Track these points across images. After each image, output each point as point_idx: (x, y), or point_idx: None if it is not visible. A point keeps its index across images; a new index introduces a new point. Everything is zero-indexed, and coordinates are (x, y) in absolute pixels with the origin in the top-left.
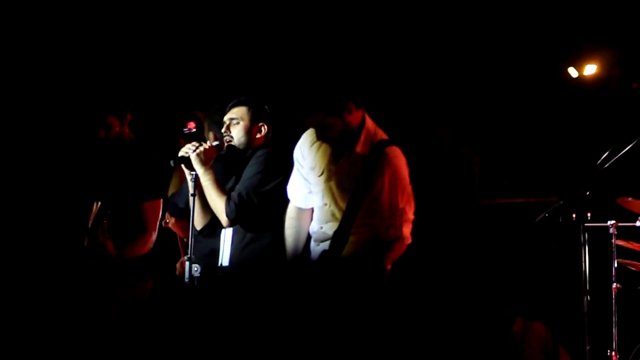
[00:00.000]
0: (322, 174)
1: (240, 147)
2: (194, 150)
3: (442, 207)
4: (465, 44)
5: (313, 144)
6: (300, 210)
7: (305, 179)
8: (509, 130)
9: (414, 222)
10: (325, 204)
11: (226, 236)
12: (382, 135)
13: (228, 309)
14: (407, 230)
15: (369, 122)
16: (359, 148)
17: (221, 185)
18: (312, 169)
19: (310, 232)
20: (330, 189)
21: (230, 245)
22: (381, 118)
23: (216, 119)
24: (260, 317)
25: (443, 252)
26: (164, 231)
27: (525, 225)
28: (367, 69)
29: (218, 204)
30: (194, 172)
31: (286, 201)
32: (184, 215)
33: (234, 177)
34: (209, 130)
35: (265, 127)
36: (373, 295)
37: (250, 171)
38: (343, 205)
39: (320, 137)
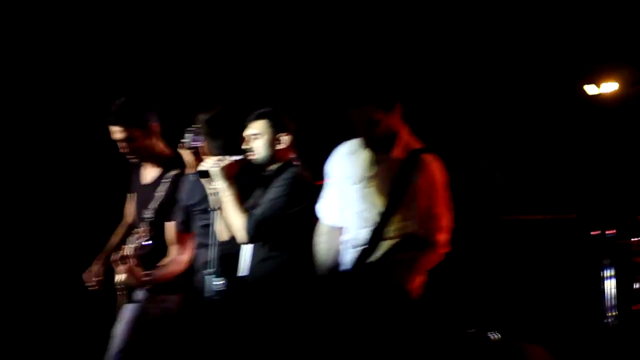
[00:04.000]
0: (358, 181)
1: (263, 162)
2: (216, 165)
3: (463, 222)
4: (483, 61)
5: (349, 155)
6: (332, 228)
7: (340, 192)
8: (528, 147)
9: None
10: (362, 211)
11: (247, 248)
12: (418, 144)
13: (243, 320)
14: (442, 237)
15: (406, 130)
16: (396, 152)
17: (241, 201)
18: (348, 178)
19: (345, 241)
20: (368, 195)
21: (250, 258)
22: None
23: (206, 130)
24: (275, 330)
25: (464, 266)
26: None
27: (545, 242)
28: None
29: (236, 221)
30: (215, 187)
31: (308, 224)
32: (189, 228)
33: (261, 189)
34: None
35: (286, 137)
36: (401, 301)
37: (275, 192)
38: (379, 208)
39: (364, 133)
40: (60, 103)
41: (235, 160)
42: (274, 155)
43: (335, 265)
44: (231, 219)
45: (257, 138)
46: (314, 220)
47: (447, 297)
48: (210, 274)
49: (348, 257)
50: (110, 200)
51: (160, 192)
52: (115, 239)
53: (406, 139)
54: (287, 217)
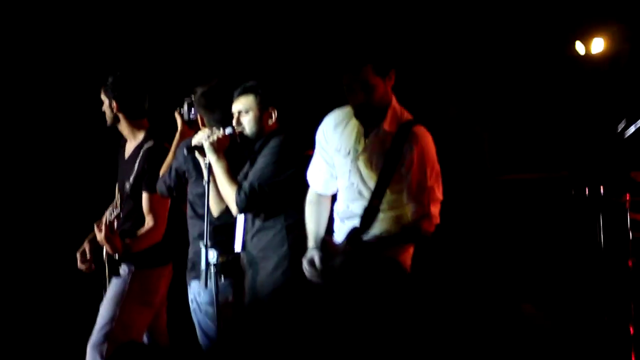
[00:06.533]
0: (348, 153)
1: (253, 137)
2: (207, 139)
3: (456, 185)
4: (471, 21)
5: (337, 125)
6: (320, 195)
7: (327, 163)
8: (518, 107)
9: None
10: (352, 184)
11: (239, 222)
12: (407, 115)
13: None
14: (435, 209)
15: (395, 102)
16: (386, 126)
17: (232, 174)
18: (338, 150)
19: (336, 212)
20: (357, 168)
21: (242, 232)
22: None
23: (202, 103)
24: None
25: (458, 230)
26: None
27: (537, 201)
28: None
29: (229, 192)
30: (207, 160)
31: (299, 190)
32: (172, 193)
33: (247, 163)
34: (198, 114)
35: (276, 111)
36: (399, 276)
37: (263, 161)
38: (370, 182)
39: (356, 100)
40: (61, 76)
41: (225, 135)
42: (264, 129)
43: (324, 234)
44: (223, 192)
45: (245, 114)
46: (305, 187)
47: (445, 262)
48: (205, 245)
49: (340, 229)
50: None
51: (136, 165)
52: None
53: (397, 110)
54: (277, 185)
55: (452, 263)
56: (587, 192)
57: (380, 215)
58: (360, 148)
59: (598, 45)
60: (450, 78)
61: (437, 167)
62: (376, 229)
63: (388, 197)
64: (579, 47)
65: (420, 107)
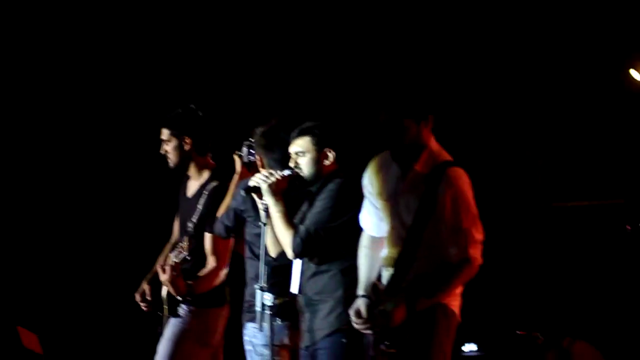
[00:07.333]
0: (389, 197)
1: (311, 178)
2: (265, 181)
3: (509, 213)
4: (524, 46)
5: (380, 170)
6: (373, 238)
7: (375, 207)
8: (572, 133)
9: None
10: (393, 228)
11: (296, 265)
12: (445, 156)
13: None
14: (474, 251)
15: (434, 144)
16: (418, 167)
17: (290, 217)
18: (380, 194)
19: (381, 258)
20: (397, 212)
21: (299, 274)
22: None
23: (261, 143)
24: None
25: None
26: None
27: (591, 229)
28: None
29: (285, 236)
30: (265, 202)
31: (355, 235)
32: (230, 234)
33: (305, 205)
34: (257, 155)
35: (333, 152)
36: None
37: (320, 205)
38: (409, 226)
39: (390, 139)
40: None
41: (284, 176)
42: (321, 171)
43: (375, 279)
44: (280, 235)
45: (302, 155)
46: (360, 230)
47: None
48: (260, 288)
49: (384, 275)
50: (161, 218)
51: (200, 205)
52: (162, 257)
53: (433, 151)
54: (334, 230)
55: (503, 293)
56: None
57: (418, 262)
58: (399, 191)
59: None
60: (505, 106)
61: (474, 208)
62: (415, 273)
63: (426, 242)
64: (635, 74)
65: (474, 138)
